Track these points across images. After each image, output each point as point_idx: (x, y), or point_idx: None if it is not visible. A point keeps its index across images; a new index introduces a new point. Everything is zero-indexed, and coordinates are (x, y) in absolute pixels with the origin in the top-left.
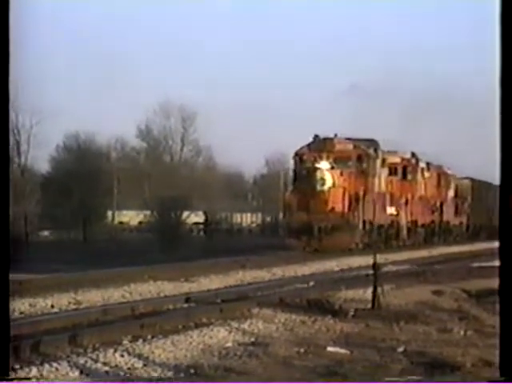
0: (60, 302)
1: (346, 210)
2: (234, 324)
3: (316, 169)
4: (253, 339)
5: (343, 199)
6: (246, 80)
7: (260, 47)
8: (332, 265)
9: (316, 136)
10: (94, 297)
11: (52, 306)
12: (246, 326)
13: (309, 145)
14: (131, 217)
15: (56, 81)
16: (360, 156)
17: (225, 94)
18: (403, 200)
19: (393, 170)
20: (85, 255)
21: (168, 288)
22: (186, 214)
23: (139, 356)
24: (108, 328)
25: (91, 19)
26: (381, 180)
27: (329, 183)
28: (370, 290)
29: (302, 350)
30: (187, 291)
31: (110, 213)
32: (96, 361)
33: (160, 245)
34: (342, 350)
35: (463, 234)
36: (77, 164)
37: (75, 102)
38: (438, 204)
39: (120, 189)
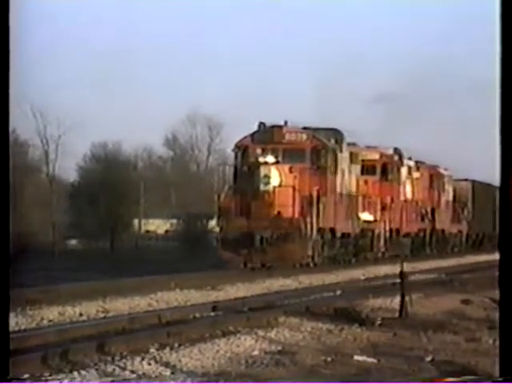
0: (88, 310)
1: (297, 214)
2: (261, 332)
3: (259, 164)
4: (279, 348)
5: (293, 201)
6: (268, 89)
7: (285, 55)
8: (358, 273)
9: (261, 124)
10: (121, 305)
11: (80, 314)
12: (272, 334)
13: (252, 135)
14: (158, 225)
15: (81, 90)
16: (316, 149)
17: (252, 104)
18: (382, 204)
19: (369, 168)
20: (112, 264)
21: (195, 296)
22: (212, 222)
23: (166, 364)
24: (135, 336)
25: (110, 24)
26: (349, 179)
27: (275, 182)
28: (397, 299)
29: (329, 359)
30: (214, 300)
31: (136, 221)
32: (124, 369)
33: (186, 253)
34: (370, 359)
35: (462, 244)
36: (104, 173)
37: (102, 111)
38: (430, 209)
39: (147, 197)
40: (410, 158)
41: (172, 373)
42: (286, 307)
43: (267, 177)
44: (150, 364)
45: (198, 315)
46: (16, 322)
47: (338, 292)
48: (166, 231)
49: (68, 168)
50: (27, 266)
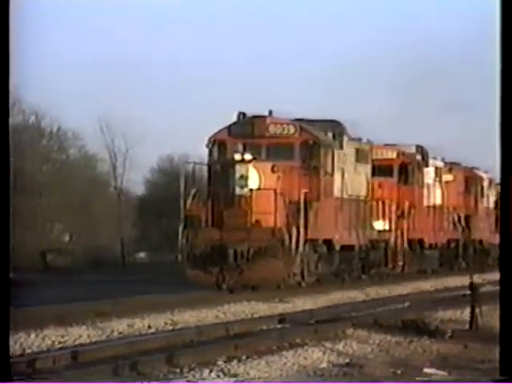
0: (156, 322)
1: (280, 223)
2: (329, 345)
3: (233, 162)
4: (347, 360)
5: (275, 208)
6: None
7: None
8: (426, 285)
9: (241, 114)
10: (188, 317)
11: (149, 327)
12: (340, 346)
13: (229, 127)
14: None
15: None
16: (306, 144)
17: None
18: (399, 211)
19: (384, 169)
20: (179, 276)
21: (262, 308)
22: None
23: (234, 376)
24: (203, 348)
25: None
26: (355, 181)
27: (253, 184)
28: (467, 311)
29: (398, 372)
30: (281, 312)
31: None
32: (192, 381)
33: None
34: (440, 372)
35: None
36: (170, 186)
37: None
38: (464, 217)
39: None
40: (442, 159)
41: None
42: (353, 319)
43: (244, 178)
44: (218, 376)
45: (265, 327)
46: (87, 334)
47: (406, 304)
48: None
49: (135, 181)
50: (98, 279)
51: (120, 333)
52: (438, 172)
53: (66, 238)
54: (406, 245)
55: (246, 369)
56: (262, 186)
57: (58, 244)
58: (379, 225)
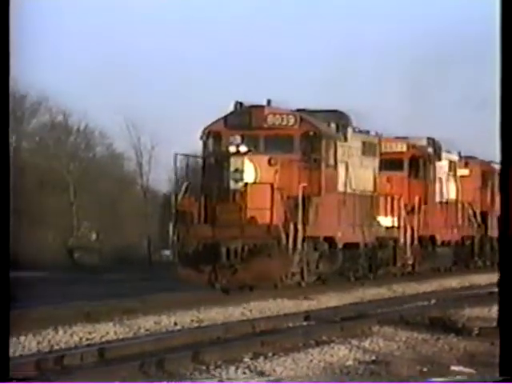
0: (183, 319)
1: (276, 220)
2: (355, 342)
3: (228, 154)
4: (374, 357)
5: (271, 203)
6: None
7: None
8: (453, 283)
9: (238, 103)
10: (215, 315)
11: (175, 324)
12: (366, 344)
13: (225, 118)
14: None
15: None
16: (307, 135)
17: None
18: (409, 207)
19: (394, 163)
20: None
21: (288, 306)
22: None
23: (261, 373)
24: (229, 345)
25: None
26: (361, 175)
27: (249, 178)
28: (494, 309)
29: (424, 369)
30: (306, 309)
31: None
32: (219, 378)
33: None
34: (467, 369)
35: None
36: None
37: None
38: (480, 213)
39: None
40: (459, 153)
41: (266, 382)
42: (379, 316)
43: (239, 171)
44: (244, 373)
45: (291, 324)
46: (114, 331)
47: (433, 301)
48: None
49: (161, 180)
50: (125, 276)
51: (147, 330)
52: (452, 166)
53: (93, 236)
54: (416, 242)
55: (272, 366)
56: (258, 180)
57: (85, 242)
58: (387, 221)
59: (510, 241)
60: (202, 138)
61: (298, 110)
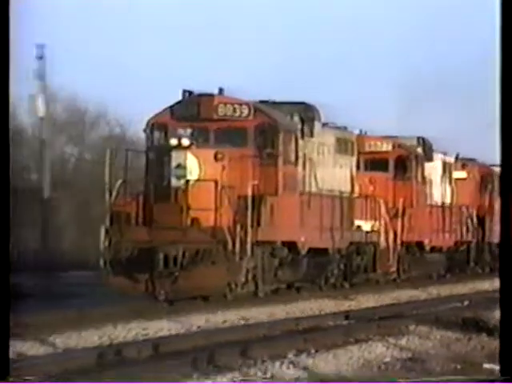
0: (231, 317)
1: (222, 222)
2: (392, 340)
3: (169, 148)
4: (410, 355)
5: (216, 203)
6: None
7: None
8: (485, 285)
9: (186, 92)
10: (259, 314)
11: (224, 322)
12: (403, 342)
13: (172, 108)
14: None
15: None
16: (262, 127)
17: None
18: (393, 209)
19: (378, 163)
20: None
21: (328, 305)
22: None
23: (304, 368)
24: (274, 342)
25: None
26: (336, 175)
27: (193, 174)
28: None
29: (458, 367)
30: (346, 309)
31: None
32: (265, 372)
33: None
34: (498, 367)
35: None
36: None
37: None
38: (476, 217)
39: None
40: (457, 155)
41: (310, 376)
42: (415, 316)
43: (182, 167)
44: (288, 368)
45: (331, 323)
46: (168, 327)
47: (466, 302)
48: None
49: None
50: None
51: (198, 327)
52: (447, 168)
53: None
54: (399, 247)
55: (314, 361)
56: (202, 177)
57: None
58: (367, 225)
59: (510, 244)
60: (145, 130)
61: (261, 102)
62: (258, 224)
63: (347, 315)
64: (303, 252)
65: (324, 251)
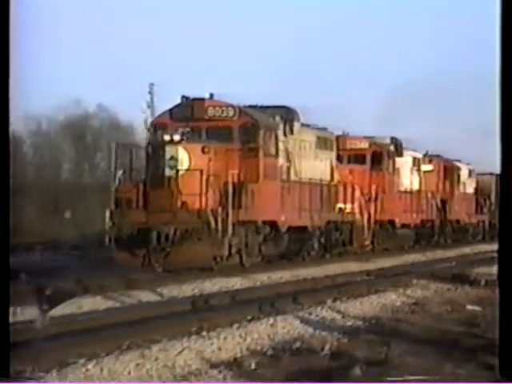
0: (285, 275)
1: (206, 205)
2: (401, 290)
3: (164, 143)
4: (414, 301)
5: (201, 189)
6: None
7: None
8: (467, 250)
9: (184, 97)
10: (303, 273)
11: (281, 278)
12: (409, 291)
13: (171, 111)
14: None
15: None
16: (245, 126)
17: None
18: (369, 194)
19: (358, 157)
20: None
21: (353, 267)
22: None
23: (338, 312)
24: (316, 293)
25: None
26: (317, 166)
27: (184, 165)
28: (495, 268)
29: (449, 308)
30: (367, 269)
31: None
32: (310, 314)
33: None
34: (477, 308)
35: (485, 232)
36: None
37: None
38: (440, 201)
39: None
40: (426, 153)
41: (342, 317)
42: (417, 274)
43: (174, 159)
44: (327, 311)
45: (358, 279)
46: (241, 283)
47: (453, 263)
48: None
49: None
50: None
51: (262, 282)
52: (416, 162)
53: None
54: (373, 225)
55: (346, 306)
56: (191, 167)
57: None
58: (346, 207)
59: (510, 241)
60: (149, 130)
61: (250, 107)
62: (240, 207)
63: (368, 273)
64: (283, 229)
65: (304, 229)
